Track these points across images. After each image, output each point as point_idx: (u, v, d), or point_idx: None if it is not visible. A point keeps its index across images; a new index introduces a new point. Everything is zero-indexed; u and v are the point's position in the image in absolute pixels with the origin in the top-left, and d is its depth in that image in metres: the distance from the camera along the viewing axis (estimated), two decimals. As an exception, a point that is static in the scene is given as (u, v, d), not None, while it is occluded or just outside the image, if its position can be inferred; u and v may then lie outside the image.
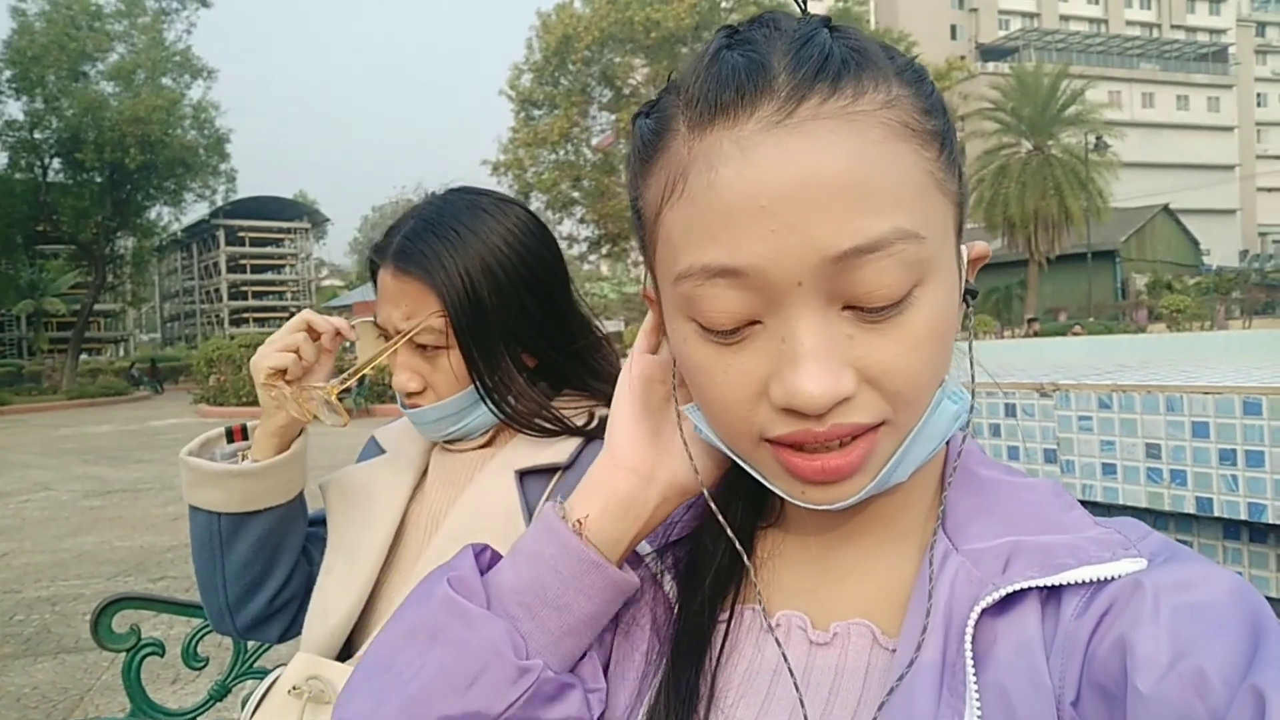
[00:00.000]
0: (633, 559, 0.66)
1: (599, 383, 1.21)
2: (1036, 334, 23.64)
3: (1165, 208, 43.25)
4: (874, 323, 0.49)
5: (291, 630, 1.24)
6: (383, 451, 1.28)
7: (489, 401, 1.14)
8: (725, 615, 0.63)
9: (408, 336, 1.11)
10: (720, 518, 0.61)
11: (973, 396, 0.58)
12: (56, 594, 5.21)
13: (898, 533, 0.60)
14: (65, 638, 4.38)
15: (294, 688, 1.04)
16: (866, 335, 0.49)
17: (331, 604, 1.13)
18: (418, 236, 1.14)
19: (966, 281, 0.57)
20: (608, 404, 1.13)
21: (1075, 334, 20.33)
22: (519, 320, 1.14)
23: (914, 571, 0.58)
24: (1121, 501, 1.51)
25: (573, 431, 1.15)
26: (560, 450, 1.14)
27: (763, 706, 0.58)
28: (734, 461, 0.59)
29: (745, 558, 0.62)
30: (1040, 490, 0.58)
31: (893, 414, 0.51)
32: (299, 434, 1.18)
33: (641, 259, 0.62)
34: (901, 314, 0.49)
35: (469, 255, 1.12)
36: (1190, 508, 1.41)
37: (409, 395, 1.15)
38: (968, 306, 0.59)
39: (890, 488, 0.56)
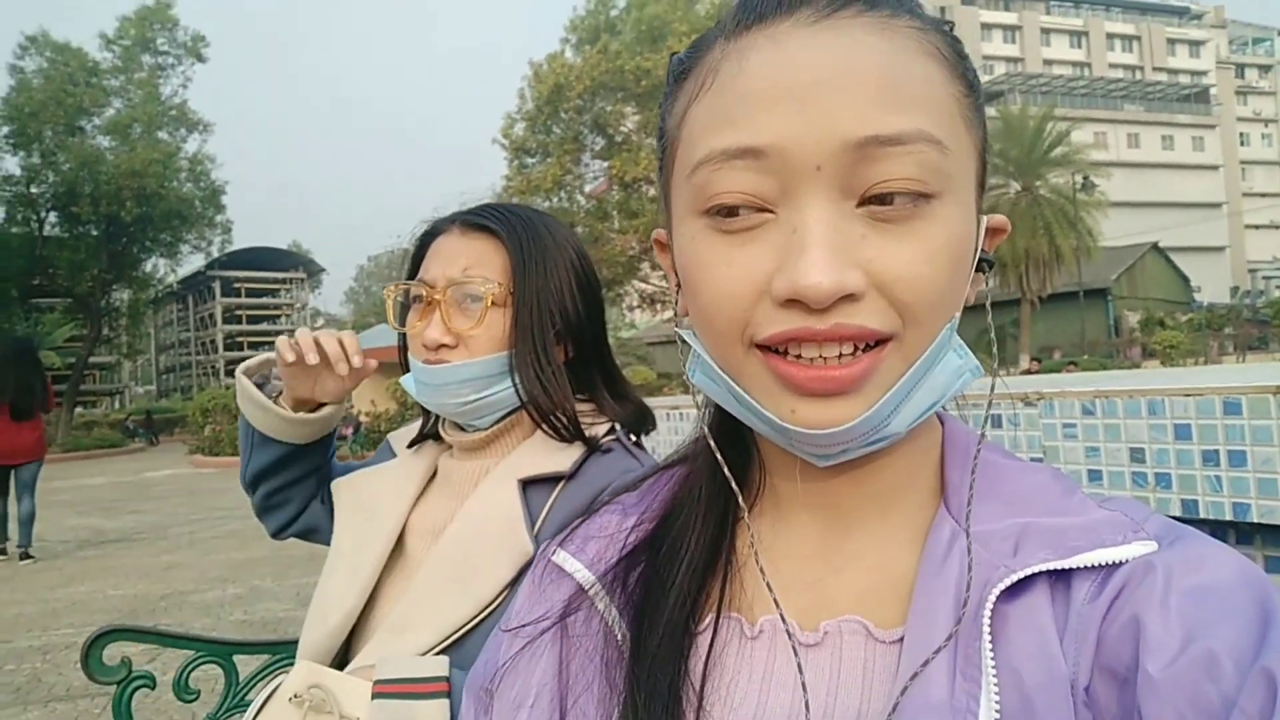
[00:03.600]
0: (576, 595, 0.63)
1: (615, 402, 1.22)
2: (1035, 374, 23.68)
3: (1155, 246, 43.57)
4: (888, 223, 0.48)
5: (284, 530, 1.40)
6: (393, 454, 1.30)
7: (518, 375, 1.13)
8: (702, 628, 0.59)
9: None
10: (718, 455, 0.58)
11: (994, 373, 0.57)
12: (48, 643, 5.15)
13: (900, 521, 0.58)
14: (56, 685, 4.31)
15: (295, 695, 1.04)
16: (880, 238, 0.47)
17: (330, 606, 1.14)
18: (489, 208, 1.19)
19: (983, 250, 0.55)
20: (621, 424, 1.17)
21: (1069, 370, 20.37)
22: (567, 306, 1.17)
23: (915, 557, 0.56)
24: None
25: (583, 439, 1.15)
26: (563, 459, 1.13)
27: (757, 716, 0.54)
28: (717, 443, 0.58)
29: (743, 510, 0.59)
30: (1042, 474, 0.57)
31: (901, 328, 0.48)
32: (332, 403, 1.28)
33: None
34: (917, 221, 0.48)
35: (535, 230, 1.16)
36: (1176, 510, 1.42)
37: (436, 350, 1.14)
38: (984, 276, 0.57)
39: (887, 454, 0.55)
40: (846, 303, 0.47)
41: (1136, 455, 1.46)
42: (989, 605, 0.49)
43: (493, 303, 1.12)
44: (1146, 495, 1.45)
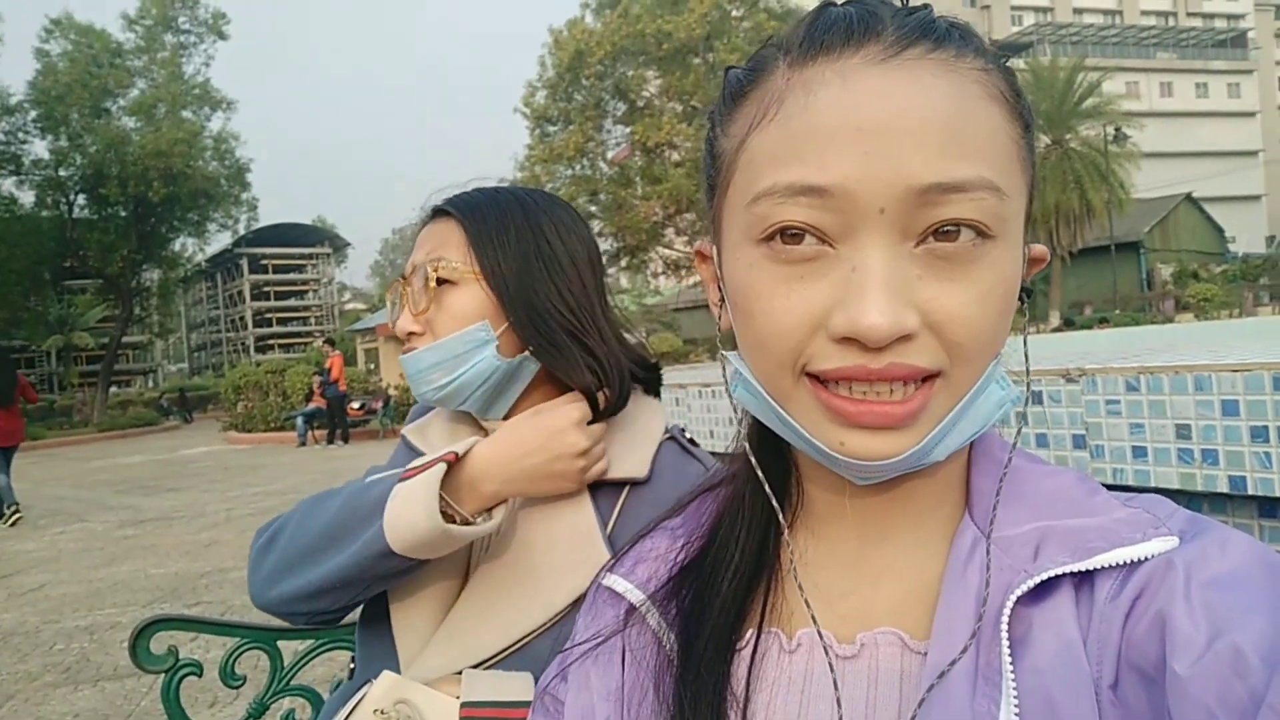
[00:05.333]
0: (629, 613, 0.65)
1: (596, 376, 1.13)
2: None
3: (1188, 197, 42.74)
4: (946, 262, 0.49)
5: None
6: (417, 453, 1.20)
7: (532, 348, 1.09)
8: (743, 644, 0.60)
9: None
10: (759, 472, 0.59)
11: (1027, 400, 0.57)
12: (94, 623, 5.27)
13: (930, 530, 0.58)
14: (104, 665, 4.42)
15: (380, 710, 1.00)
16: (935, 280, 0.49)
17: (421, 622, 1.09)
18: (461, 192, 1.17)
19: (1023, 281, 0.56)
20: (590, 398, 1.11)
21: (1101, 327, 20.12)
22: (536, 279, 1.11)
23: (940, 566, 0.56)
24: (1154, 484, 1.49)
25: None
26: (633, 463, 1.10)
27: None
28: (755, 455, 0.59)
29: (784, 526, 0.60)
30: (1065, 477, 0.57)
31: (949, 367, 0.50)
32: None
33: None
34: (972, 265, 0.49)
35: (498, 206, 1.13)
36: (1224, 487, 1.39)
37: (408, 339, 1.12)
38: (1023, 304, 0.57)
39: (924, 470, 0.55)
40: (901, 342, 0.48)
41: (1182, 432, 1.44)
42: (1007, 610, 0.50)
43: (441, 279, 1.09)
44: (1193, 472, 1.43)
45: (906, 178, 0.47)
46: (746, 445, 0.61)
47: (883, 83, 0.48)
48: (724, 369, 0.60)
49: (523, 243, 1.11)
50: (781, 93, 0.51)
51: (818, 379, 0.51)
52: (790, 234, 0.50)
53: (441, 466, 1.01)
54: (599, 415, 1.12)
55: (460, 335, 1.09)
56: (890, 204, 0.48)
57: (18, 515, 9.61)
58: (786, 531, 0.60)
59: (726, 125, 0.57)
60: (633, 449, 1.12)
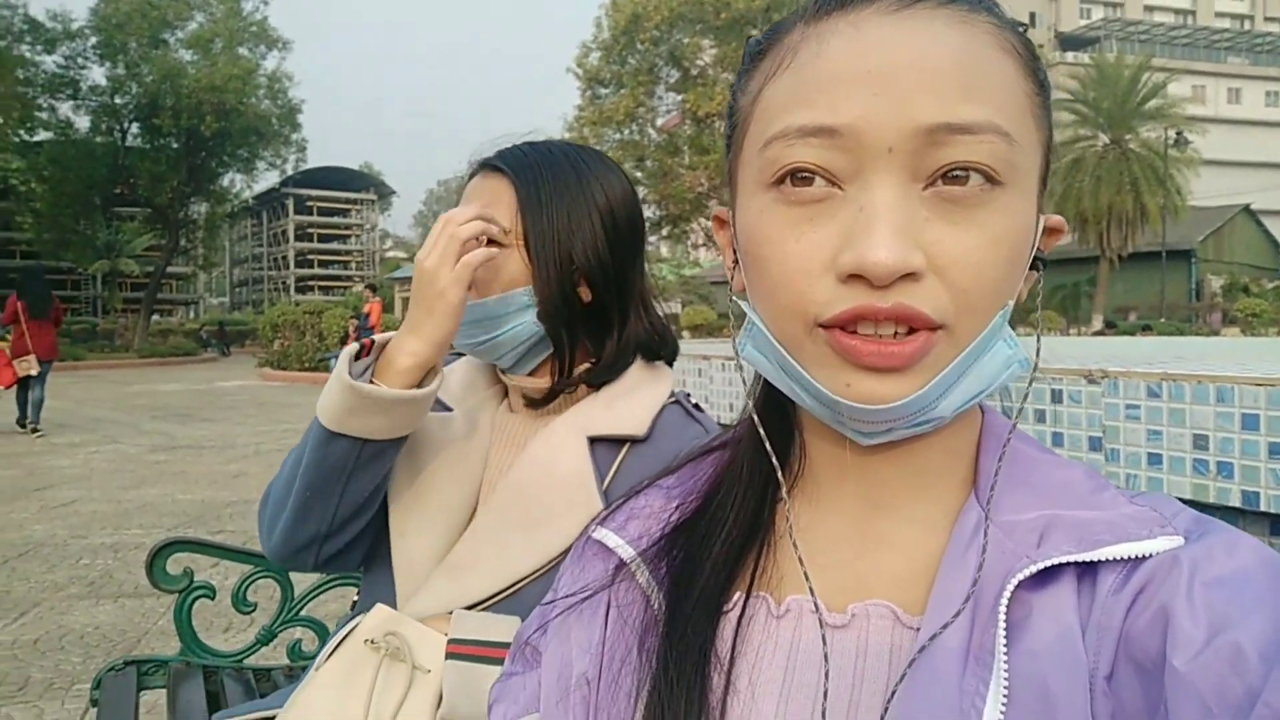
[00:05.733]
0: (618, 568, 0.65)
1: (619, 355, 1.18)
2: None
3: (1246, 208, 41.70)
4: (955, 206, 0.49)
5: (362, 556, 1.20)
6: (442, 405, 1.23)
7: (540, 310, 1.12)
8: (730, 607, 0.60)
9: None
10: (761, 429, 0.59)
11: (1034, 369, 0.56)
12: (119, 541, 5.41)
13: (933, 506, 0.58)
14: (126, 583, 4.54)
15: (371, 640, 1.04)
16: (943, 223, 0.49)
17: (420, 563, 1.13)
18: (509, 148, 1.18)
19: (1038, 250, 0.56)
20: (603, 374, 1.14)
21: (1144, 335, 19.78)
22: (584, 245, 1.13)
23: (943, 544, 0.56)
24: (1166, 492, 1.48)
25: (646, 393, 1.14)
26: (634, 421, 1.12)
27: (782, 696, 0.55)
28: (757, 419, 0.59)
29: (787, 505, 0.60)
30: (1075, 470, 0.57)
31: (954, 317, 0.49)
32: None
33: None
34: (980, 209, 0.49)
35: (553, 167, 1.15)
36: (1236, 501, 1.38)
37: None
38: (1038, 275, 0.57)
39: (928, 438, 0.55)
40: (907, 281, 0.48)
41: (1200, 442, 1.42)
42: (1007, 594, 0.50)
43: (492, 242, 1.11)
44: (1207, 483, 1.41)
45: (914, 117, 0.48)
46: (750, 402, 0.61)
47: (894, 30, 0.49)
48: (733, 324, 0.60)
49: (572, 209, 1.13)
50: (796, 45, 0.53)
51: (830, 327, 0.51)
52: (800, 176, 0.50)
53: (353, 346, 1.09)
54: (573, 377, 1.17)
55: (504, 297, 1.12)
56: (898, 143, 0.48)
57: (39, 434, 10.23)
58: (785, 492, 0.60)
59: (745, 84, 0.58)
60: (635, 410, 1.14)
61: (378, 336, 1.11)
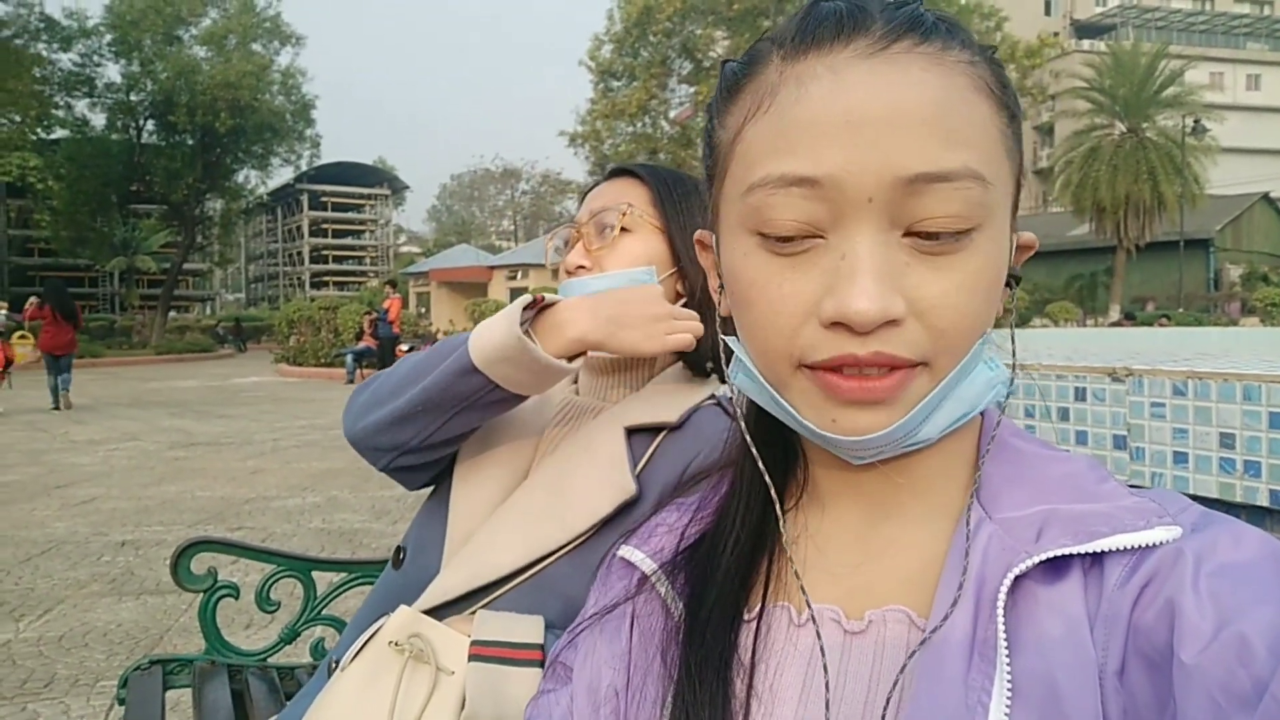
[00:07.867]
0: (640, 582, 0.67)
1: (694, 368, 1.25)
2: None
3: (1265, 196, 41.24)
4: (931, 255, 0.51)
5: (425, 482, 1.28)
6: None
7: (686, 276, 1.21)
8: (751, 616, 0.62)
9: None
10: (754, 449, 0.62)
11: (1011, 380, 0.58)
12: (140, 538, 5.45)
13: (936, 509, 0.60)
14: (148, 580, 4.58)
15: (394, 642, 1.06)
16: (922, 268, 0.51)
17: (471, 521, 1.17)
18: (645, 162, 1.30)
19: (1011, 268, 0.58)
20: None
21: (1161, 325, 19.62)
22: (691, 249, 1.20)
23: (947, 546, 0.57)
24: (1192, 491, 1.47)
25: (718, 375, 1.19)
26: (669, 411, 1.16)
27: (801, 700, 0.57)
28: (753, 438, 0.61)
29: (780, 516, 0.62)
30: (1075, 463, 0.58)
31: (933, 356, 0.51)
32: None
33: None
34: (957, 253, 0.51)
35: (677, 174, 1.26)
36: (1264, 500, 1.36)
37: (575, 272, 1.22)
38: (1010, 290, 0.59)
39: (924, 450, 0.57)
40: (887, 328, 0.50)
41: (1226, 441, 1.41)
42: (1004, 588, 0.51)
43: (623, 228, 1.20)
44: (1233, 482, 1.40)
45: (894, 168, 0.49)
46: (744, 430, 0.64)
47: (871, 76, 0.50)
48: (723, 356, 0.64)
49: (698, 210, 1.22)
50: (775, 86, 0.54)
51: (815, 367, 0.53)
52: (782, 239, 0.52)
53: (526, 297, 1.10)
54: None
55: (628, 271, 1.19)
56: (878, 193, 0.49)
57: (70, 408, 12.66)
58: (778, 507, 0.62)
59: (723, 117, 0.59)
60: (672, 403, 1.17)
61: (548, 296, 1.14)
